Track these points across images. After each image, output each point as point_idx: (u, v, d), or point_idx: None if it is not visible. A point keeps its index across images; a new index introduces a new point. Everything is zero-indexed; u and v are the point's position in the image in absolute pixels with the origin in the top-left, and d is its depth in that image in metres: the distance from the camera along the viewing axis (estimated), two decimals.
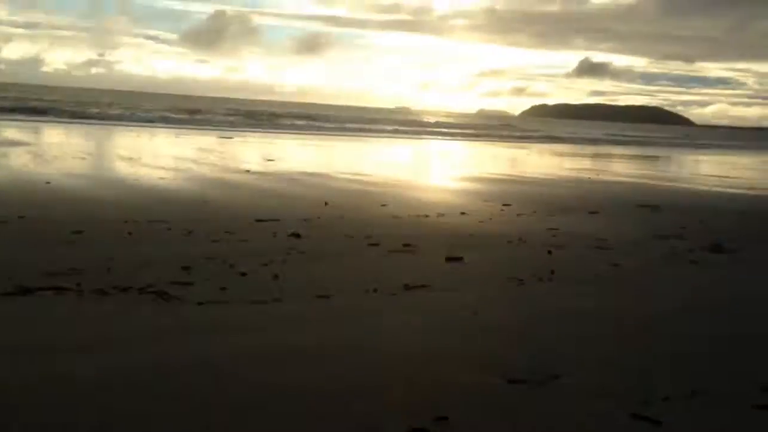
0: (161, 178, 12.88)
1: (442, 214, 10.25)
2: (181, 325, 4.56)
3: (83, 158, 15.87)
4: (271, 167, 16.69)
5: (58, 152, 17.41)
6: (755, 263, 7.79)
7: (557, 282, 6.29)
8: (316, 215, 9.49)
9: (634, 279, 6.65)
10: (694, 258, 7.73)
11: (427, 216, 10.04)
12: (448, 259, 6.99)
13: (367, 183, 14.21)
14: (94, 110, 48.05)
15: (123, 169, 14.63)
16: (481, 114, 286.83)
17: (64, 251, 6.52)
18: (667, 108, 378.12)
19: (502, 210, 11.12)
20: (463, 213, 10.50)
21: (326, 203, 10.81)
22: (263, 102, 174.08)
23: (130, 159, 16.49)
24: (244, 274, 5.97)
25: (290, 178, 14.36)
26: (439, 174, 18.34)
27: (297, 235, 7.81)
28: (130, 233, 7.56)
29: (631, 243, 8.56)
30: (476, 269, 6.69)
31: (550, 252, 7.62)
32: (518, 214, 10.72)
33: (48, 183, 11.34)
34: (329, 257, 6.88)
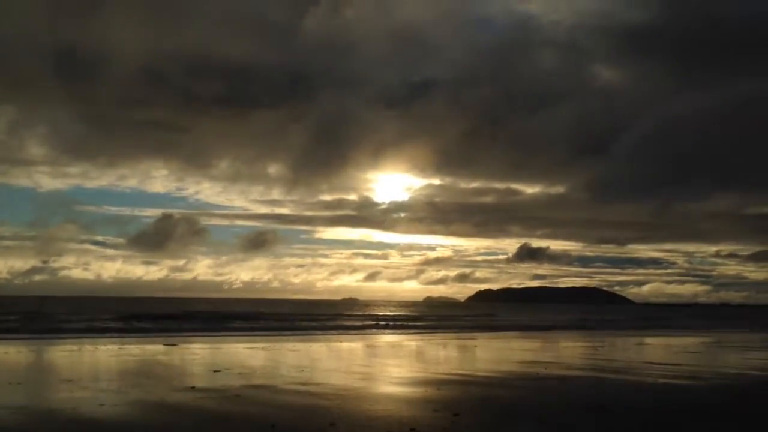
0: (101, 405, 12.44)
1: None
2: None
3: (19, 383, 15.29)
4: (217, 380, 16.36)
5: None
6: None
7: None
8: None
9: None
10: None
11: None
12: None
13: (315, 395, 14.00)
14: (34, 324, 46.90)
15: (60, 395, 14.09)
16: (428, 302, 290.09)
17: None
18: (605, 288, 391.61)
19: (452, 421, 11.05)
20: (412, 429, 10.37)
21: (273, 426, 10.58)
22: (211, 300, 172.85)
23: (70, 381, 15.94)
24: None
25: (236, 394, 14.06)
26: (388, 378, 18.18)
27: None
28: None
29: None
30: None
31: None
32: (467, 426, 10.65)
33: None
34: None
